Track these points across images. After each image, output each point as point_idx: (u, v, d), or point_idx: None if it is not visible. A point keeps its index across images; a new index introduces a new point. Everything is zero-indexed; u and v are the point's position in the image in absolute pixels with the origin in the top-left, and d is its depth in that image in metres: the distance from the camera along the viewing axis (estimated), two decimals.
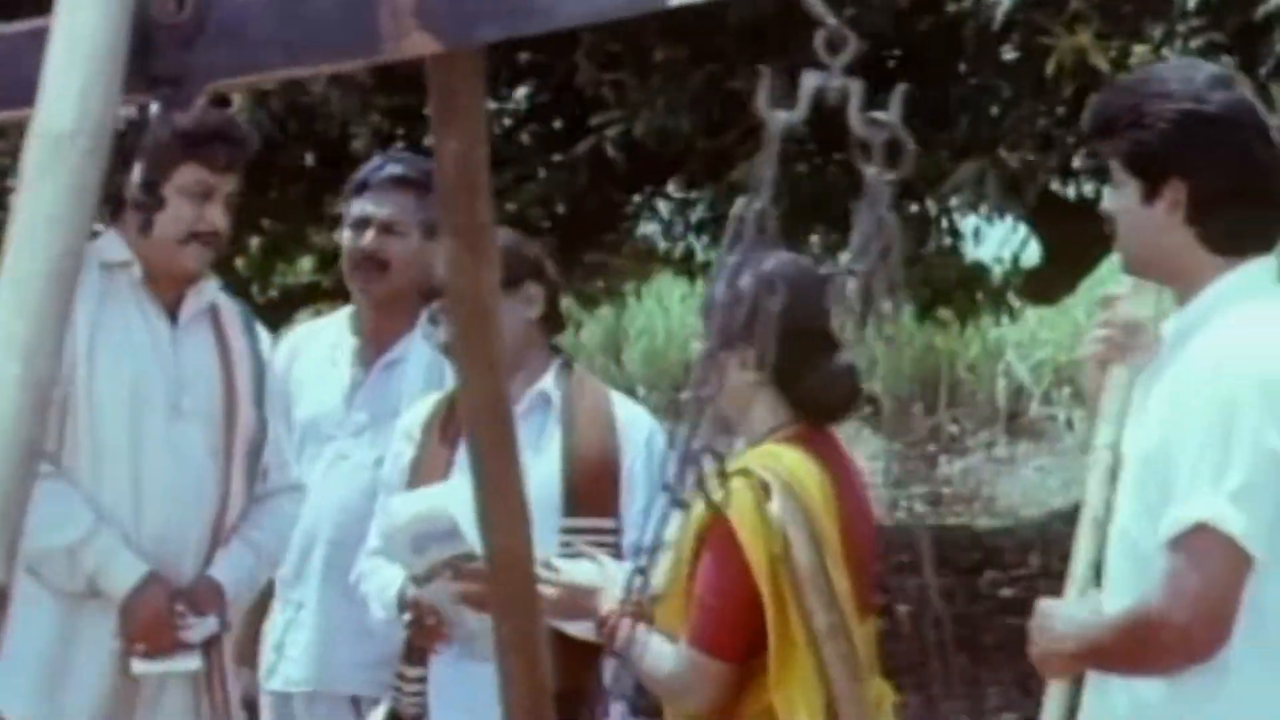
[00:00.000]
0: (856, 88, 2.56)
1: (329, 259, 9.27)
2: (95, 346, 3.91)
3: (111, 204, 4.02)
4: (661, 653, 3.43)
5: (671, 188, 9.93)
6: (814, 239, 9.65)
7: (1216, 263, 3.18)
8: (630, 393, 17.88)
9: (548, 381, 4.04)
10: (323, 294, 9.97)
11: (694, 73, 7.39)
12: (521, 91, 9.29)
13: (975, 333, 14.00)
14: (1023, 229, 10.34)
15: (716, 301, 3.48)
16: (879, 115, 2.67)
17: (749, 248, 2.70)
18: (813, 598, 3.32)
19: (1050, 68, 6.90)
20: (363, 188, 4.62)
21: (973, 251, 10.67)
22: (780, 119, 2.60)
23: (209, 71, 2.29)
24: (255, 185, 7.59)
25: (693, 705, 3.44)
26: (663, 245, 10.74)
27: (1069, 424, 14.84)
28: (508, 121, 9.35)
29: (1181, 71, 3.28)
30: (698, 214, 9.94)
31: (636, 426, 4.05)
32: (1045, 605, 3.25)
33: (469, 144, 2.47)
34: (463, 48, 2.36)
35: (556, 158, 8.50)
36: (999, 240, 10.61)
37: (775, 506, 3.35)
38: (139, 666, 3.90)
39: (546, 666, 2.77)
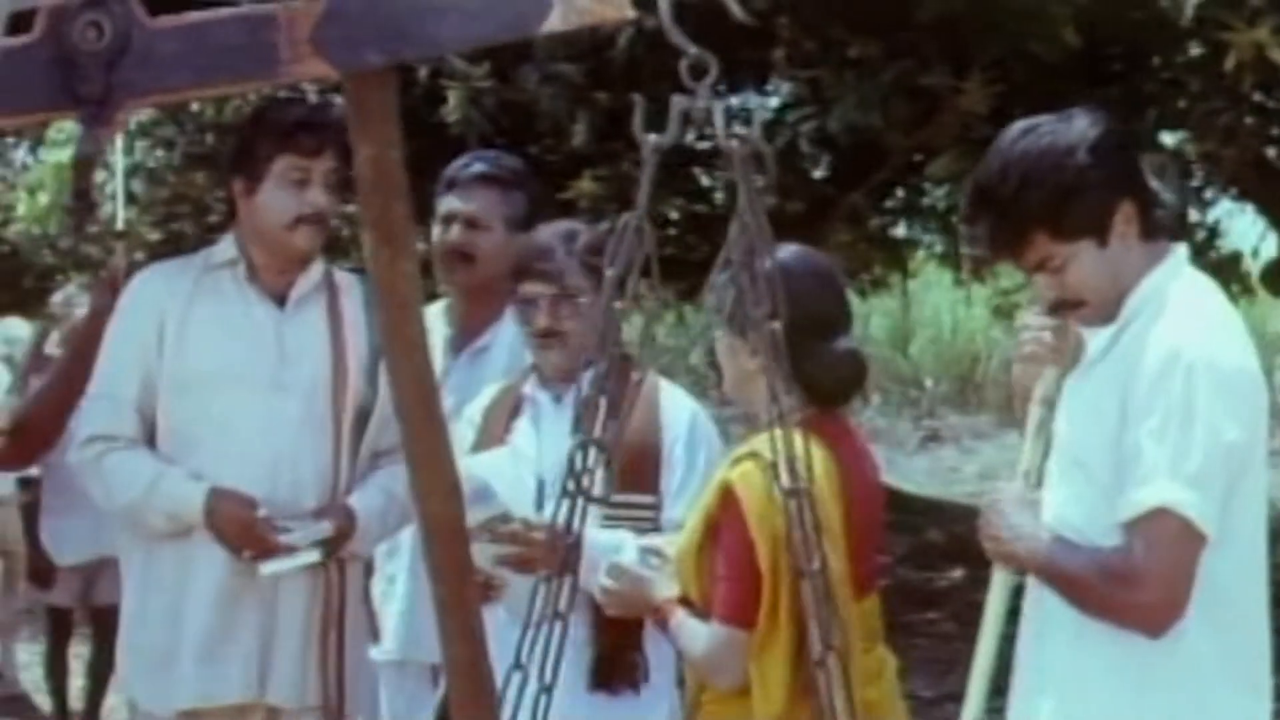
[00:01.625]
0: (719, 108, 2.90)
1: None
2: (185, 340, 4.29)
3: (229, 209, 4.42)
4: (695, 633, 3.64)
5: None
6: None
7: (1149, 251, 3.38)
8: (917, 384, 17.93)
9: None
10: None
11: (886, 68, 7.53)
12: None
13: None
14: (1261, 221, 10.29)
15: (718, 294, 3.72)
16: (741, 131, 2.95)
17: (628, 257, 2.99)
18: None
19: (1230, 63, 6.93)
20: (450, 185, 4.86)
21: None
22: (651, 141, 2.91)
23: (128, 91, 2.62)
24: None
25: (728, 680, 3.59)
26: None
27: None
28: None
29: (1032, 138, 3.32)
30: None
31: (679, 410, 4.26)
32: (999, 492, 3.44)
33: (381, 149, 2.77)
34: (352, 71, 2.66)
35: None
36: (1238, 233, 10.56)
37: None
38: (264, 568, 4.20)
39: (481, 627, 3.03)
